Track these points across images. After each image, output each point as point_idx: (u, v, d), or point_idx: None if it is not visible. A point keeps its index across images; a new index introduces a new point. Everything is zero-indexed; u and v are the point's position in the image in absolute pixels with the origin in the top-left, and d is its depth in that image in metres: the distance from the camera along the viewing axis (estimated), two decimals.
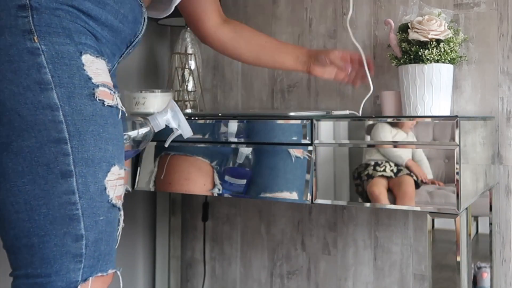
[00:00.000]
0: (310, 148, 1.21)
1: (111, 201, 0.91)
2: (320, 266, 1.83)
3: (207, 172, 1.31)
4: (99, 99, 0.89)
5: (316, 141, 1.21)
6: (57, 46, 0.87)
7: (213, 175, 1.31)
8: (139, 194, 2.04)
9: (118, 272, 0.96)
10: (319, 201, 1.20)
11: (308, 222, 1.85)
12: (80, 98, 0.87)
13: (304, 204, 1.83)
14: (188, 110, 1.82)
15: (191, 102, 1.83)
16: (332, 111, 1.39)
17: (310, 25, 1.83)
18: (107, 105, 0.91)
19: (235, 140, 1.30)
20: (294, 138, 1.23)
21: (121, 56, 1.10)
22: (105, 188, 0.89)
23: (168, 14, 1.25)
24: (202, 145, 1.35)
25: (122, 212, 0.96)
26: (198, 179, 1.32)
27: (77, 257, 0.87)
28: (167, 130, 1.15)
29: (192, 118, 1.36)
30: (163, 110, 1.13)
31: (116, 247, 0.96)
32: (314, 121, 1.21)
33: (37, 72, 0.85)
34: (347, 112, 1.41)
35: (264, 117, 1.28)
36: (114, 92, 0.93)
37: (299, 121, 1.23)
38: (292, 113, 1.26)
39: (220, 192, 1.30)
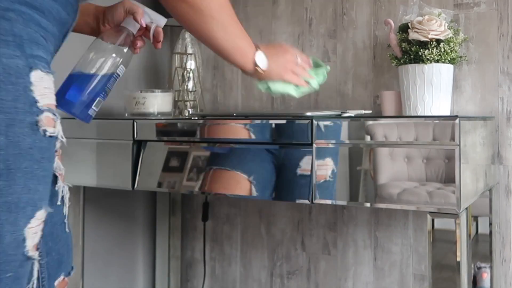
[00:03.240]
0: (310, 148, 1.21)
1: (27, 253, 0.73)
2: (320, 266, 1.83)
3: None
4: (42, 129, 0.72)
5: (316, 141, 1.21)
6: (5, 59, 0.69)
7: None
8: (139, 194, 2.04)
9: None
10: (319, 201, 1.20)
11: (308, 222, 1.85)
12: (20, 127, 0.70)
13: (304, 204, 1.83)
14: (188, 110, 1.83)
15: (191, 102, 1.83)
16: (347, 111, 1.36)
17: (310, 25, 1.83)
18: (48, 135, 0.74)
19: (235, 140, 1.30)
20: (294, 138, 1.23)
21: (57, 50, 0.90)
22: (24, 239, 0.72)
23: None
24: (204, 144, 1.35)
25: (37, 263, 0.77)
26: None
27: None
28: None
29: (193, 118, 1.36)
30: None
31: None
32: (314, 121, 1.21)
33: None
34: (362, 111, 1.39)
35: (268, 116, 1.28)
36: (56, 118, 0.76)
37: (299, 121, 1.23)
38: (308, 113, 1.24)
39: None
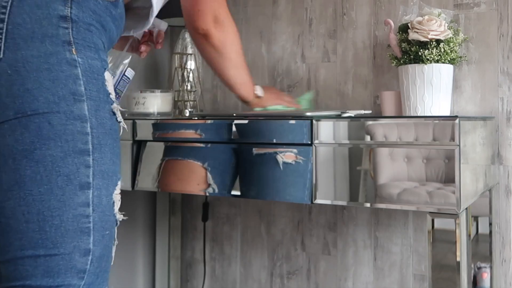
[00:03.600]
0: (310, 148, 1.21)
1: (115, 215, 0.92)
2: (320, 266, 1.83)
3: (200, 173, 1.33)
4: (116, 115, 0.94)
5: (316, 141, 1.21)
6: (90, 60, 0.90)
7: (206, 175, 1.31)
8: (139, 194, 2.04)
9: None
10: (319, 201, 1.20)
11: (308, 222, 1.85)
12: (103, 111, 0.90)
13: (304, 204, 1.83)
14: (188, 110, 1.83)
15: (191, 102, 1.83)
16: (347, 111, 1.37)
17: (310, 25, 1.83)
18: (118, 121, 0.95)
19: (235, 140, 1.30)
20: (295, 138, 1.23)
21: None
22: (113, 203, 0.91)
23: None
24: (201, 145, 1.35)
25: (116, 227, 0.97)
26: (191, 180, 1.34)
27: (81, 273, 0.86)
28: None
29: (193, 118, 1.36)
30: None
31: (111, 264, 0.96)
32: (314, 121, 1.21)
33: (73, 83, 0.87)
34: (362, 111, 1.39)
35: (266, 117, 1.28)
36: (119, 107, 0.96)
37: (299, 121, 1.23)
38: (308, 113, 1.25)
39: (215, 192, 1.30)
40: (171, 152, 1.39)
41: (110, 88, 0.93)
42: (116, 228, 0.94)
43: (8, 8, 0.86)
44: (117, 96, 1.19)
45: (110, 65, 1.17)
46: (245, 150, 1.29)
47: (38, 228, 0.83)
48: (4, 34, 0.85)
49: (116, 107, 0.94)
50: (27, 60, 0.84)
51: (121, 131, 0.97)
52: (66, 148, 0.85)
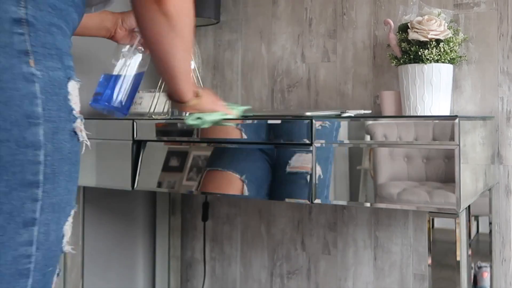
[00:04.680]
0: (310, 148, 1.21)
1: (63, 248, 0.81)
2: (320, 266, 1.83)
3: None
4: (77, 135, 0.80)
5: (316, 141, 1.21)
6: (51, 71, 0.75)
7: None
8: (139, 194, 2.04)
9: None
10: (319, 201, 1.20)
11: (308, 222, 1.85)
12: (62, 133, 0.77)
13: (304, 204, 1.83)
14: None
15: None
16: (347, 111, 1.36)
17: (310, 25, 1.83)
18: (80, 140, 0.81)
19: (235, 140, 1.30)
20: (294, 138, 1.23)
21: None
22: (63, 235, 0.80)
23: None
24: (204, 144, 1.35)
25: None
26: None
27: None
28: None
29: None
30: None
31: None
32: (314, 121, 1.21)
33: (29, 103, 0.71)
34: (362, 111, 1.39)
35: (265, 116, 1.28)
36: (83, 122, 0.83)
37: (299, 121, 1.23)
38: (308, 113, 1.25)
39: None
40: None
41: (74, 101, 0.79)
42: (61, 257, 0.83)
43: None
44: (135, 88, 1.18)
45: (123, 60, 1.18)
46: (244, 150, 1.29)
47: None
48: None
49: (78, 126, 0.79)
50: None
51: (83, 150, 0.83)
52: (12, 181, 0.71)
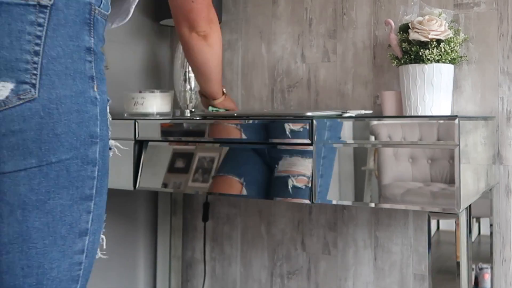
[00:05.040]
0: (310, 148, 1.21)
1: (98, 254, 0.89)
2: (320, 266, 1.84)
3: None
4: (111, 149, 0.90)
5: (316, 141, 1.21)
6: (103, 95, 0.84)
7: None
8: (140, 194, 2.04)
9: None
10: (319, 201, 1.20)
11: (308, 222, 1.85)
12: (106, 151, 0.86)
13: (304, 204, 1.83)
14: (189, 110, 1.82)
15: (192, 102, 1.83)
16: (348, 111, 1.36)
17: (310, 25, 1.83)
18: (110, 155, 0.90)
19: (235, 140, 1.30)
20: (295, 138, 1.23)
21: None
22: (102, 239, 0.89)
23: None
24: (209, 145, 1.35)
25: None
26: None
27: None
28: None
29: (194, 118, 1.36)
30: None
31: None
32: (314, 121, 1.21)
33: (93, 124, 0.81)
34: (363, 111, 1.39)
35: (265, 116, 1.28)
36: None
37: (299, 121, 1.23)
38: (308, 113, 1.25)
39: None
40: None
41: (109, 121, 0.88)
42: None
43: (43, 38, 0.76)
44: None
45: None
46: (245, 150, 1.29)
47: (36, 282, 0.78)
48: (39, 70, 0.75)
49: (113, 142, 0.90)
50: (61, 101, 0.77)
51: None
52: (75, 195, 0.80)
